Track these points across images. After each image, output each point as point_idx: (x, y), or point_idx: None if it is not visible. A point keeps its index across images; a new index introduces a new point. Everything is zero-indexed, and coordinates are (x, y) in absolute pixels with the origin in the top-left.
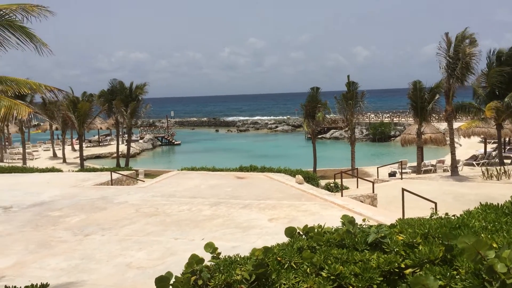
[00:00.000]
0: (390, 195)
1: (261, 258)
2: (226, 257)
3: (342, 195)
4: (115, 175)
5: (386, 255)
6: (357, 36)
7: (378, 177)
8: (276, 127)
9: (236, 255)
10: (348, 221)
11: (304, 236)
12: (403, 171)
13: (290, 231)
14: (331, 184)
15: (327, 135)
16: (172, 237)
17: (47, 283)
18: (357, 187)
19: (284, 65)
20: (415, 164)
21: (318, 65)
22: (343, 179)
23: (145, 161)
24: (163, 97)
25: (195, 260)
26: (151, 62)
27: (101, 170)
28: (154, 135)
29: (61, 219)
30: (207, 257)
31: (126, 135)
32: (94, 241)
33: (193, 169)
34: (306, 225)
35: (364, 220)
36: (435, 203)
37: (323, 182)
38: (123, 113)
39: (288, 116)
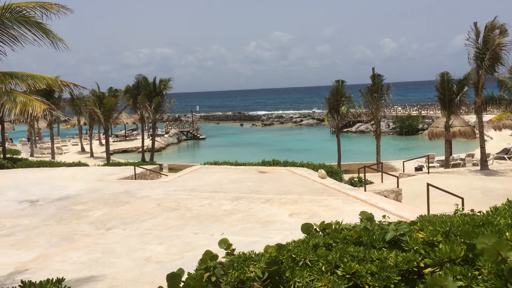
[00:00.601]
0: (416, 190)
1: (274, 255)
2: (241, 253)
3: (365, 190)
4: (139, 169)
5: (404, 254)
6: (384, 28)
7: (404, 172)
8: (301, 121)
9: (251, 251)
10: (367, 217)
11: (321, 232)
12: (431, 165)
13: (306, 228)
14: (355, 179)
15: (353, 128)
16: (192, 231)
17: (62, 277)
18: (382, 182)
19: (310, 59)
20: (443, 158)
21: (344, 58)
22: (367, 174)
23: (170, 155)
24: (189, 92)
25: (209, 256)
26: (178, 57)
27: (126, 164)
28: (179, 129)
29: (84, 213)
30: (223, 253)
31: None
32: (115, 235)
33: (215, 163)
34: (323, 222)
35: (384, 216)
36: (462, 199)
37: (347, 177)
38: (148, 108)
39: (313, 110)
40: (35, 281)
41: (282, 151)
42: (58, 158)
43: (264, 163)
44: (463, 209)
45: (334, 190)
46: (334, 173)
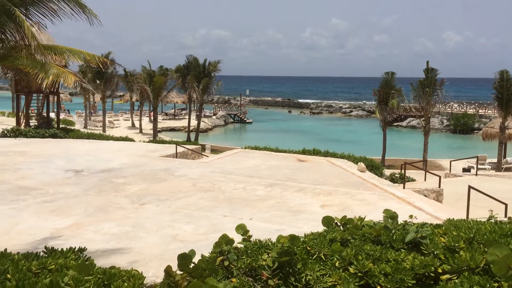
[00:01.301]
0: (459, 192)
1: (286, 246)
2: (257, 240)
3: (404, 187)
4: (181, 149)
5: (423, 257)
6: (448, 20)
7: (450, 171)
8: (351, 111)
9: (268, 239)
10: (390, 216)
11: (341, 227)
12: (481, 167)
13: (327, 221)
14: (396, 175)
15: (404, 123)
16: (221, 214)
17: (84, 247)
18: (425, 180)
19: (367, 48)
20: (495, 160)
21: (403, 49)
22: (411, 171)
23: (215, 137)
24: (241, 75)
25: (224, 240)
26: (233, 40)
27: (169, 142)
28: (227, 112)
29: (123, 186)
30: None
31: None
32: (148, 210)
33: (256, 148)
34: (344, 216)
35: (411, 216)
36: (506, 205)
37: (388, 172)
38: (195, 88)
39: (364, 101)
40: (58, 248)
41: (327, 141)
42: (109, 132)
43: (304, 152)
44: (500, 215)
45: (371, 184)
46: (375, 167)
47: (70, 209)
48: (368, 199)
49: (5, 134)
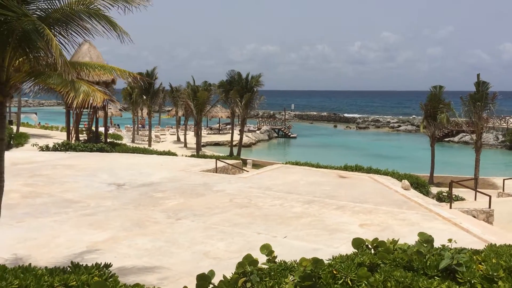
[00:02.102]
0: None
1: (309, 270)
2: (281, 261)
3: (450, 207)
4: (222, 164)
5: (457, 287)
6: (506, 32)
7: (503, 191)
8: (399, 126)
9: (294, 261)
10: (425, 239)
11: (372, 250)
12: None
13: (357, 243)
14: (444, 193)
15: (455, 138)
16: (256, 231)
17: (110, 263)
18: (475, 199)
19: (418, 61)
20: None
21: (457, 62)
22: (461, 190)
23: (259, 152)
24: (289, 89)
25: (248, 260)
26: (281, 55)
27: (211, 157)
28: (271, 126)
29: (161, 201)
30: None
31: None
32: (183, 225)
33: (297, 163)
34: (376, 238)
35: (450, 240)
36: None
37: (436, 190)
38: (238, 103)
39: (414, 116)
40: (83, 264)
41: (372, 157)
42: (155, 146)
43: (346, 168)
44: None
45: (415, 203)
46: (420, 185)
47: (108, 222)
48: (411, 219)
49: (56, 148)
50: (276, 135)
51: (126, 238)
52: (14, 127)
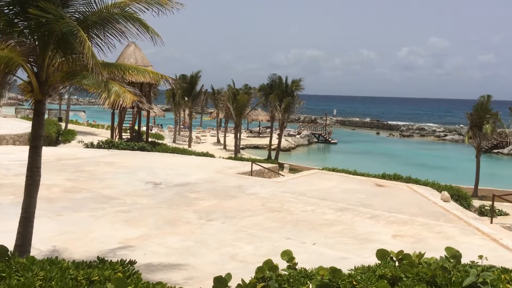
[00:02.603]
0: None
1: (327, 279)
2: (302, 268)
3: (491, 222)
4: (258, 167)
5: None
6: None
7: None
8: (445, 135)
9: (314, 269)
10: (452, 255)
11: (397, 262)
12: None
13: (381, 254)
14: (487, 207)
15: (505, 150)
16: (285, 236)
17: (134, 260)
18: None
19: (469, 68)
20: None
21: (511, 70)
22: (506, 204)
23: (297, 156)
24: (333, 95)
25: (267, 266)
26: (325, 59)
27: (248, 160)
28: (311, 131)
29: (194, 201)
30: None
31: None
32: (213, 227)
33: (333, 170)
34: (401, 251)
35: (480, 257)
36: None
37: (478, 203)
38: (277, 107)
39: (461, 125)
40: (108, 260)
41: (413, 166)
42: (195, 147)
43: (384, 176)
44: None
45: (454, 216)
46: (461, 197)
47: (141, 220)
48: (448, 232)
49: (100, 146)
50: (316, 140)
51: (157, 236)
52: (63, 124)
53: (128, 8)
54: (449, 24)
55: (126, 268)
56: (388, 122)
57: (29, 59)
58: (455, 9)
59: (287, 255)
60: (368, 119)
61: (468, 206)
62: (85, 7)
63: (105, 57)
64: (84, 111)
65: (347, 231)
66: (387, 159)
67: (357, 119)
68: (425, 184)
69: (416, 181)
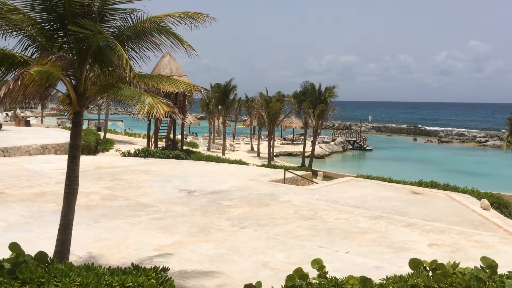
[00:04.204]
0: None
1: None
2: (332, 277)
3: None
4: (291, 174)
5: None
6: None
7: None
8: (486, 141)
9: (345, 277)
10: (487, 265)
11: (430, 272)
12: None
13: (414, 263)
14: None
15: None
16: (318, 244)
17: (167, 267)
18: None
19: (511, 72)
20: None
21: None
22: None
23: (331, 164)
24: (368, 100)
25: (298, 274)
26: (360, 65)
27: (281, 167)
28: (346, 138)
29: (227, 209)
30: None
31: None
32: (246, 234)
33: (368, 177)
34: (435, 260)
35: None
36: None
37: None
38: (311, 114)
39: (504, 130)
40: (136, 265)
41: (452, 173)
42: (229, 155)
43: (420, 184)
44: None
45: (494, 224)
46: (502, 205)
47: (175, 227)
48: (487, 242)
49: (136, 154)
50: (351, 147)
51: (191, 243)
52: (102, 134)
53: (162, 23)
54: (490, 27)
55: (159, 275)
56: (426, 128)
57: (68, 72)
58: (497, 11)
59: (317, 264)
60: (405, 125)
61: (509, 215)
62: (120, 22)
63: (141, 69)
64: (122, 121)
65: (381, 240)
66: (424, 165)
67: (394, 125)
68: (464, 191)
69: (455, 189)
